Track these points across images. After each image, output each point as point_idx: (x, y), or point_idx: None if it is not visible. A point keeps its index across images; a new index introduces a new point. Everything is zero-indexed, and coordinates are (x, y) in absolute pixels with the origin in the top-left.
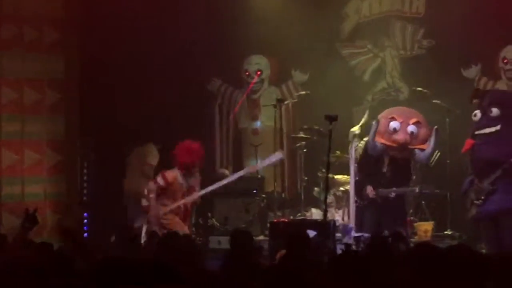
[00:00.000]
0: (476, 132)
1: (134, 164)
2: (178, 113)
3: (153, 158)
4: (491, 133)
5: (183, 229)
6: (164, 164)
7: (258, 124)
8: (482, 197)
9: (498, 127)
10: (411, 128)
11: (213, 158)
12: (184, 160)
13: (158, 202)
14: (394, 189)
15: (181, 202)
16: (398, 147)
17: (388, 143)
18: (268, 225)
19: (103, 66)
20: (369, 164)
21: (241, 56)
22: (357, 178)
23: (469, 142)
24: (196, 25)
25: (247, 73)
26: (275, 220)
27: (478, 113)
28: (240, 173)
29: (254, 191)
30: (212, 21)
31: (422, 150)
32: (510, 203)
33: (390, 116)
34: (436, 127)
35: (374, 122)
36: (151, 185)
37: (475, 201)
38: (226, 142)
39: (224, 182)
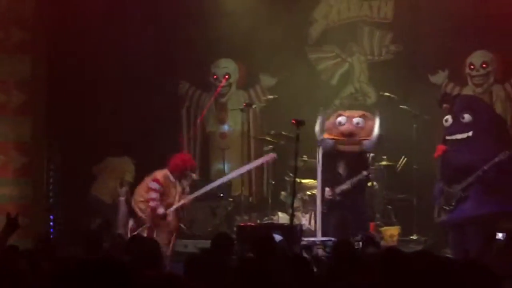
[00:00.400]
0: (448, 138)
1: (107, 174)
2: (146, 115)
3: (130, 175)
4: (463, 139)
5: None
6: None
7: (225, 127)
8: (453, 203)
9: (470, 133)
10: (356, 120)
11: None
12: (177, 168)
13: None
14: (347, 182)
15: (182, 202)
16: (346, 140)
17: (336, 137)
18: (235, 228)
19: (71, 67)
20: (325, 167)
21: (209, 60)
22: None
23: (441, 148)
24: (165, 29)
25: (215, 77)
26: (242, 224)
27: (449, 118)
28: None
29: (221, 194)
30: (181, 24)
31: (368, 140)
32: (480, 210)
33: (336, 113)
34: (378, 112)
35: (319, 116)
36: (152, 194)
37: (444, 207)
38: (194, 146)
39: (224, 179)
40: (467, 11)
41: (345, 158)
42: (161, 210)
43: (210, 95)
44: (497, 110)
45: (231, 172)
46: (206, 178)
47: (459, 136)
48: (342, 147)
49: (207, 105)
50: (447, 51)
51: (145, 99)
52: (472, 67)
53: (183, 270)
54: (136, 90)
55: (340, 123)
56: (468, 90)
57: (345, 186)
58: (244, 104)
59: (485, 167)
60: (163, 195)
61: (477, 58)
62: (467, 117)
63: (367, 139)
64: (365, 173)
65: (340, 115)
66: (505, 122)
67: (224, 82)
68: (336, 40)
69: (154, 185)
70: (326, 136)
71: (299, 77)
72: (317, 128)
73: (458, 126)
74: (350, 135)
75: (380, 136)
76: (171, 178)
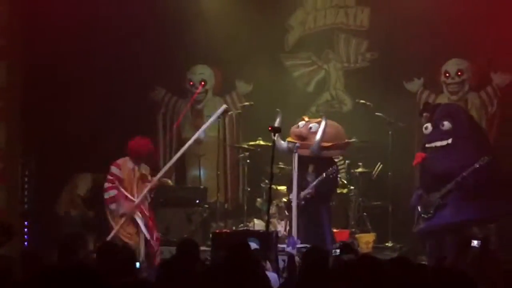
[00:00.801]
0: (427, 145)
1: (67, 192)
2: (122, 121)
3: (82, 188)
4: (442, 146)
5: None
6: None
7: (201, 134)
8: (431, 211)
9: (449, 141)
10: (311, 125)
11: (156, 167)
12: (132, 150)
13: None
14: (311, 185)
15: (145, 191)
16: (302, 143)
17: (293, 140)
18: (210, 235)
19: (46, 74)
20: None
21: (185, 66)
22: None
23: (420, 155)
24: (141, 35)
25: (191, 83)
26: (217, 231)
27: (429, 126)
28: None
29: (197, 201)
30: (157, 30)
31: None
32: (459, 217)
33: (302, 118)
34: (323, 115)
35: (277, 117)
36: (110, 178)
37: (423, 215)
38: (170, 152)
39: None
40: (442, 20)
41: (313, 163)
42: (121, 210)
43: (186, 102)
44: None
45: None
46: (182, 184)
47: (438, 144)
48: (300, 151)
49: (183, 111)
50: (422, 59)
51: (120, 106)
52: (447, 75)
53: (156, 276)
54: (111, 96)
55: (298, 126)
56: (443, 98)
57: (307, 191)
58: None
59: (464, 174)
60: (122, 181)
61: (452, 66)
62: (446, 124)
63: (311, 144)
64: (329, 170)
65: (302, 119)
66: (484, 130)
67: (200, 89)
68: (312, 47)
69: (113, 169)
70: (288, 139)
71: (275, 84)
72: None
73: (437, 134)
74: (300, 138)
75: (318, 143)
76: (130, 164)
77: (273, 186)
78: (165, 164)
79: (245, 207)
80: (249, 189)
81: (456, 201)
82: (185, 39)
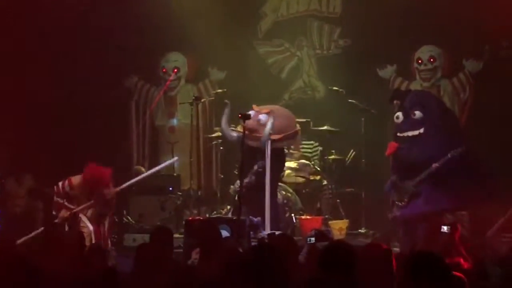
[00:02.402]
0: (399, 134)
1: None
2: (94, 109)
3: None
4: (414, 136)
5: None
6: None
7: (174, 121)
8: (406, 199)
9: (421, 130)
10: (260, 116)
11: (129, 155)
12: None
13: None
14: (252, 176)
15: (88, 204)
16: (249, 135)
17: (241, 130)
18: (183, 222)
19: (15, 57)
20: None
21: (158, 53)
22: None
23: (393, 145)
24: (113, 22)
25: (164, 70)
26: (190, 218)
27: (400, 115)
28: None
29: (170, 188)
30: (129, 17)
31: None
32: (432, 206)
33: (252, 108)
34: (270, 111)
35: (225, 108)
36: (60, 193)
37: (397, 202)
38: (143, 139)
39: (137, 178)
40: (415, 6)
41: (261, 152)
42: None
43: (159, 89)
44: None
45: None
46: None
47: (410, 133)
48: (247, 142)
49: (156, 98)
50: (395, 46)
51: (92, 93)
52: (420, 61)
53: (133, 262)
54: (83, 84)
55: (249, 115)
56: (416, 85)
57: (246, 179)
58: (193, 97)
59: (437, 164)
60: (71, 199)
61: (424, 52)
62: (418, 114)
63: (260, 136)
64: (255, 167)
65: (252, 109)
66: (456, 117)
67: (173, 76)
68: (285, 34)
69: (66, 186)
70: (237, 129)
71: (248, 71)
72: (223, 120)
73: (409, 123)
74: (250, 131)
75: (268, 135)
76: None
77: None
78: (137, 151)
79: (219, 194)
80: (222, 176)
81: (429, 190)
82: (158, 26)
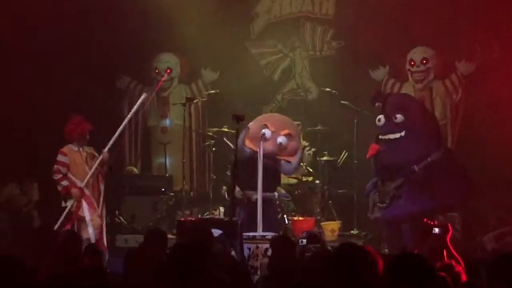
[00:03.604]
0: (381, 137)
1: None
2: (87, 109)
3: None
4: (396, 139)
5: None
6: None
7: (167, 122)
8: (387, 201)
9: (402, 133)
10: (280, 139)
11: (121, 156)
12: (66, 133)
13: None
14: (257, 193)
15: (93, 168)
16: (265, 154)
17: (256, 149)
18: (176, 223)
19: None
20: (241, 167)
21: (150, 54)
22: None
23: (374, 147)
24: (106, 23)
25: (156, 71)
26: (182, 219)
27: (382, 118)
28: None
29: (163, 189)
30: (122, 18)
31: (288, 162)
32: (412, 208)
33: (263, 123)
34: (302, 147)
35: (244, 129)
36: (59, 167)
37: (378, 204)
38: (135, 140)
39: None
40: (407, 8)
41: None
42: (74, 190)
43: (151, 90)
44: (436, 105)
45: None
46: (147, 172)
47: (391, 136)
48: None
49: (148, 99)
50: (387, 47)
51: (85, 94)
52: (412, 63)
53: (123, 264)
54: (77, 84)
55: (264, 136)
56: (408, 86)
57: (253, 196)
58: (186, 98)
59: (416, 168)
60: (71, 166)
61: (417, 54)
62: (399, 117)
63: (286, 161)
64: (276, 195)
65: (265, 126)
66: (437, 120)
67: (166, 77)
68: (278, 35)
69: (60, 157)
70: (247, 142)
71: (241, 72)
72: (240, 138)
73: (390, 126)
74: (269, 155)
75: (297, 166)
76: (74, 147)
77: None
78: (129, 152)
79: (211, 195)
80: (214, 176)
81: (409, 192)
82: (151, 27)
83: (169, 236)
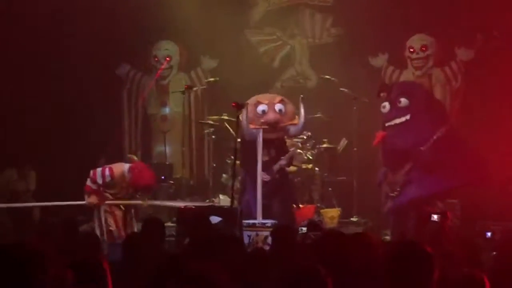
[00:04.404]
0: (387, 124)
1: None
2: (86, 96)
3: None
4: (401, 123)
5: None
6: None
7: (167, 110)
8: (398, 189)
9: (408, 117)
10: (278, 106)
11: (121, 144)
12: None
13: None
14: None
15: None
16: (270, 128)
17: (259, 126)
18: (176, 211)
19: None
20: (250, 153)
21: (150, 42)
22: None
23: (380, 135)
24: (105, 10)
25: (156, 59)
26: (182, 207)
27: (387, 104)
28: None
29: (162, 177)
30: (121, 6)
31: (294, 125)
32: (424, 191)
33: (255, 102)
34: (301, 96)
35: (243, 109)
36: (96, 177)
37: (390, 194)
38: (135, 128)
39: None
40: None
41: (269, 145)
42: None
43: (151, 77)
44: (436, 93)
45: None
46: (147, 160)
47: (397, 121)
48: (266, 135)
49: (148, 87)
50: (387, 35)
51: (85, 82)
52: (411, 50)
53: (121, 253)
54: (76, 72)
55: (263, 111)
56: (408, 73)
57: (281, 163)
58: (185, 86)
59: (423, 148)
60: (107, 187)
61: (416, 41)
62: (403, 101)
63: (293, 125)
64: (282, 162)
65: (259, 103)
66: (441, 103)
67: (165, 64)
68: (277, 22)
69: (107, 175)
70: (251, 126)
71: (240, 60)
72: (244, 119)
73: (395, 111)
74: (276, 123)
75: (305, 122)
76: (126, 172)
77: (238, 162)
78: (129, 140)
79: (211, 183)
80: (214, 164)
81: (419, 176)
82: (150, 15)
83: (169, 224)
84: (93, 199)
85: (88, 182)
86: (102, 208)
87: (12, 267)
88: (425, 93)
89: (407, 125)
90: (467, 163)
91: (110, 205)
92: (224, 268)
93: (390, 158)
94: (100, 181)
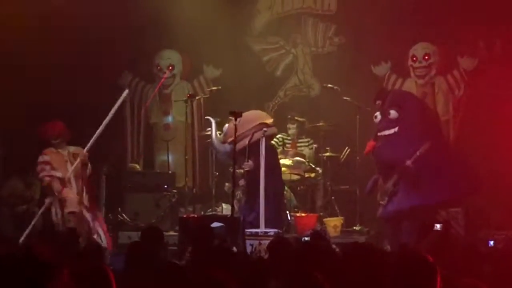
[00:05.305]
0: (378, 134)
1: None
2: (88, 107)
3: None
4: (390, 135)
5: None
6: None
7: (169, 119)
8: (386, 198)
9: (396, 129)
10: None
11: (124, 153)
12: (40, 137)
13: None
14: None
15: (74, 165)
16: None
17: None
18: (179, 220)
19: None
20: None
21: (152, 51)
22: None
23: (370, 144)
24: (108, 20)
25: (158, 68)
26: (185, 216)
27: (378, 115)
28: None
29: (165, 186)
30: (124, 14)
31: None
32: (408, 203)
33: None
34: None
35: (211, 125)
36: (42, 166)
37: (380, 202)
38: (137, 137)
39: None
40: (409, 3)
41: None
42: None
43: (153, 86)
44: (439, 101)
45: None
46: (150, 169)
47: (386, 132)
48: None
49: (151, 96)
50: (390, 43)
51: (87, 91)
52: (414, 58)
53: (124, 261)
54: (78, 82)
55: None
56: (410, 82)
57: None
58: (188, 95)
59: (408, 162)
60: (53, 164)
61: (419, 50)
62: (392, 113)
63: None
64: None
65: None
66: (437, 117)
67: (168, 73)
68: (280, 31)
69: (41, 158)
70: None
71: (243, 69)
72: (213, 136)
73: (385, 122)
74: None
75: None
76: (54, 149)
77: (239, 171)
78: (132, 149)
79: (213, 192)
80: (217, 173)
81: (405, 188)
82: (153, 24)
83: (172, 233)
84: (56, 186)
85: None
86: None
87: (22, 276)
88: (417, 105)
89: (394, 138)
90: (456, 176)
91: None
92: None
93: (380, 167)
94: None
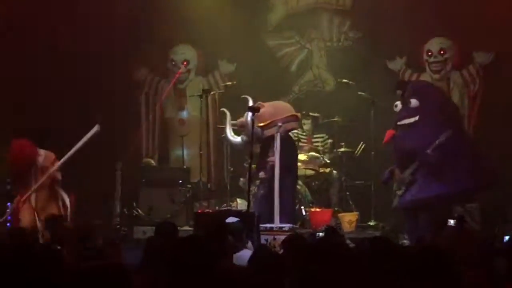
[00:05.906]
0: (398, 123)
1: None
2: (104, 102)
3: None
4: (410, 124)
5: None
6: None
7: (184, 114)
8: (403, 188)
9: (416, 118)
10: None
11: (139, 147)
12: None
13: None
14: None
15: (39, 183)
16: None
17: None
18: (193, 215)
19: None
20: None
21: (167, 46)
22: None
23: (390, 133)
24: (124, 14)
25: (173, 63)
26: (200, 211)
27: (398, 104)
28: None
29: (180, 181)
30: (139, 10)
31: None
32: (426, 193)
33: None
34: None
35: (225, 118)
36: None
37: (397, 192)
38: (152, 132)
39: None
40: None
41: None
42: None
43: (168, 81)
44: (454, 96)
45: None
46: (165, 164)
47: (406, 121)
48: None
49: (165, 91)
50: (405, 38)
51: (103, 86)
52: (429, 53)
53: (142, 255)
54: (94, 77)
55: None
56: (425, 77)
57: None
58: (202, 90)
59: (428, 151)
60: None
61: (434, 44)
62: (413, 102)
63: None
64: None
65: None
66: (456, 108)
67: (183, 68)
68: (295, 26)
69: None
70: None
71: (258, 64)
72: (227, 130)
73: (406, 111)
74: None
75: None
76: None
77: (254, 166)
78: (147, 144)
79: (228, 187)
80: (232, 168)
81: (424, 177)
82: (168, 19)
83: (186, 228)
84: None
85: None
86: None
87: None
88: (438, 95)
89: (415, 126)
90: (475, 166)
91: None
92: None
93: (398, 157)
94: None
